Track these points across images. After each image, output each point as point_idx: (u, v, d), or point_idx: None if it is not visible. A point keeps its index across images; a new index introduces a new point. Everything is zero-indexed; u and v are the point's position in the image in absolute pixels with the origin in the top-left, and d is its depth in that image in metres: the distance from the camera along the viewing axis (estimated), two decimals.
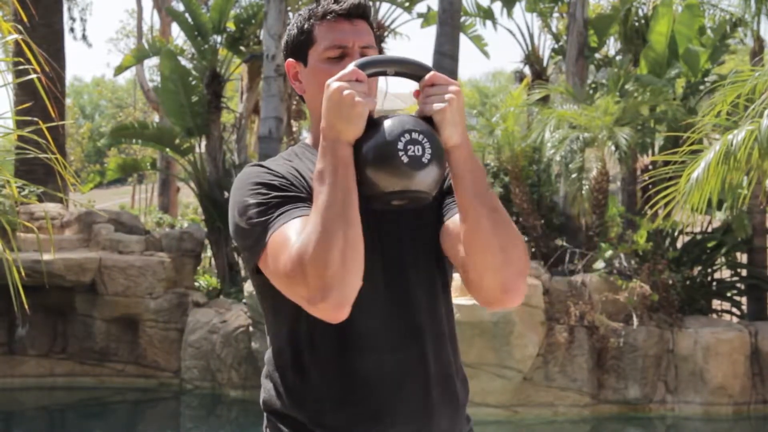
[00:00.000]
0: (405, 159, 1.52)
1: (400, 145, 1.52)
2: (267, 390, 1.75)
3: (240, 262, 11.43)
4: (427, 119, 1.59)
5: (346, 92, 1.54)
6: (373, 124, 1.57)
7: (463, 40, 12.67)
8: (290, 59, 1.82)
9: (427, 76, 1.62)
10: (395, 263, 1.68)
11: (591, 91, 11.17)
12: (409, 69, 1.64)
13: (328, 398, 1.65)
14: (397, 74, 1.64)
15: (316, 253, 1.50)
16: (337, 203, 1.52)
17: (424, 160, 1.53)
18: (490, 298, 1.66)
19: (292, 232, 1.57)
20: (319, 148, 1.58)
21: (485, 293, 1.66)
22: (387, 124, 1.55)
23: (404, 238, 1.69)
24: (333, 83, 1.56)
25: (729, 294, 10.07)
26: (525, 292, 1.68)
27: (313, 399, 1.66)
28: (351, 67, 1.59)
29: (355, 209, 1.54)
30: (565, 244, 9.51)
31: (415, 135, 1.53)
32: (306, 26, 1.77)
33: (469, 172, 1.62)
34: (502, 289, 1.65)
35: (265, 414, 1.76)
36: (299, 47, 1.79)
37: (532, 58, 13.38)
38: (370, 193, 1.56)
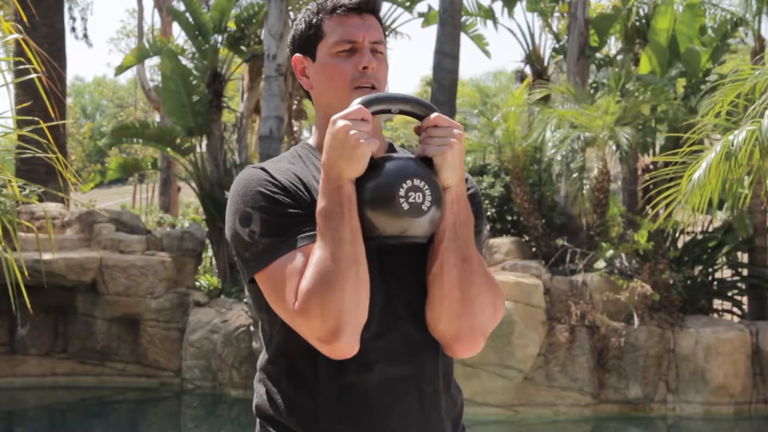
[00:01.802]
0: (405, 206, 1.54)
1: (402, 192, 1.54)
2: (260, 395, 1.73)
3: None
4: (427, 159, 1.60)
5: (351, 132, 1.54)
6: (375, 165, 1.58)
7: (464, 40, 12.68)
8: (298, 54, 1.78)
9: (431, 117, 1.62)
10: (392, 277, 1.66)
11: (592, 91, 11.17)
12: (414, 108, 1.64)
13: (324, 409, 1.63)
14: (401, 112, 1.64)
15: (331, 295, 1.52)
16: (347, 243, 1.54)
17: (424, 207, 1.55)
18: (441, 341, 1.68)
19: (298, 265, 1.57)
20: (320, 182, 1.58)
21: (438, 336, 1.67)
22: (389, 167, 1.57)
23: (403, 251, 1.66)
24: (339, 121, 1.56)
25: (730, 293, 10.07)
26: (479, 347, 1.68)
27: (309, 409, 1.64)
28: (356, 104, 1.58)
29: (362, 246, 1.56)
30: (566, 243, 9.52)
31: (416, 182, 1.55)
32: (315, 20, 1.73)
33: (452, 214, 1.63)
34: (454, 338, 1.66)
35: (258, 420, 1.74)
36: (307, 42, 1.75)
37: (533, 57, 13.38)
38: (366, 233, 1.57)
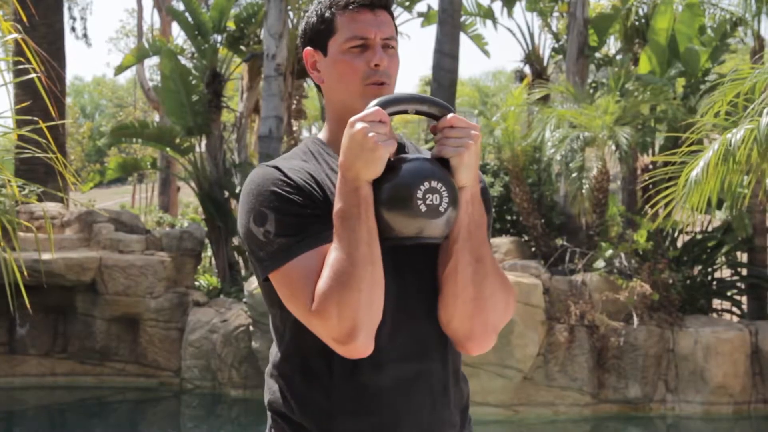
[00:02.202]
0: (423, 208, 1.54)
1: (419, 194, 1.54)
2: (273, 391, 1.73)
3: (240, 261, 11.44)
4: (443, 160, 1.61)
5: (369, 134, 1.54)
6: (392, 166, 1.58)
7: (464, 39, 12.68)
8: (308, 47, 1.77)
9: (447, 117, 1.62)
10: (405, 275, 1.67)
11: (591, 91, 11.16)
12: (430, 108, 1.64)
13: (337, 407, 1.64)
14: (417, 113, 1.64)
15: (347, 297, 1.53)
16: (363, 244, 1.54)
17: (441, 208, 1.56)
18: (454, 339, 1.69)
19: (314, 266, 1.58)
20: (337, 183, 1.58)
21: (451, 333, 1.68)
22: (406, 169, 1.57)
23: (415, 250, 1.66)
24: (357, 123, 1.56)
25: (729, 293, 10.07)
26: (491, 344, 1.70)
27: (322, 407, 1.65)
28: (373, 106, 1.58)
29: (378, 247, 1.56)
30: (565, 243, 9.51)
31: (434, 183, 1.55)
32: (327, 15, 1.73)
33: (467, 215, 1.63)
34: (467, 337, 1.67)
35: (269, 414, 1.75)
36: (319, 36, 1.75)
37: (532, 57, 13.38)
38: (382, 234, 1.58)
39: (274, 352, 1.76)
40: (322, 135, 1.81)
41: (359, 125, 1.55)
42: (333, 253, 1.56)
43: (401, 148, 1.78)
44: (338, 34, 1.72)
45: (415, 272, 1.68)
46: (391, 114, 1.60)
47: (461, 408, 1.77)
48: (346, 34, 1.71)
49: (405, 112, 1.63)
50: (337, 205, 1.57)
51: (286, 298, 1.62)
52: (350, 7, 1.71)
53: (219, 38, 12.15)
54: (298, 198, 1.63)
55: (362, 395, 1.64)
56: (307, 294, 1.57)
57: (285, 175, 1.66)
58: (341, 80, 1.72)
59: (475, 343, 1.68)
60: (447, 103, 1.66)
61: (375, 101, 1.60)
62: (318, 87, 1.80)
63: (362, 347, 1.57)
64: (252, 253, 1.67)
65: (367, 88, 1.69)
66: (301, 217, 1.62)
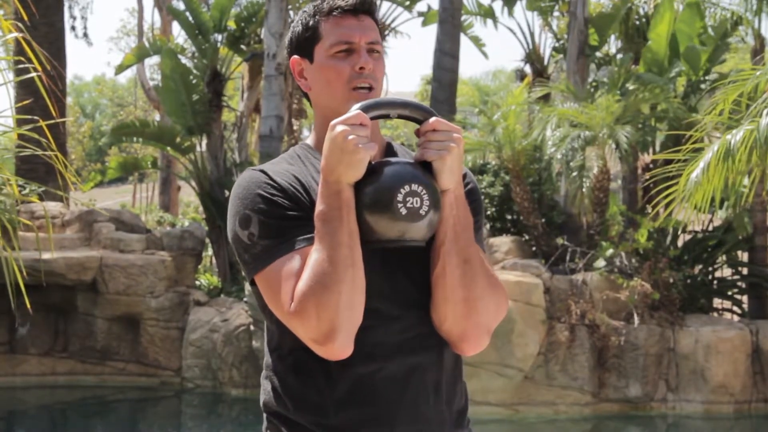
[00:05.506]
0: (403, 211, 1.56)
1: (399, 197, 1.56)
2: (267, 392, 1.74)
3: None
4: (426, 163, 1.62)
5: (349, 137, 1.56)
6: (374, 169, 1.60)
7: (464, 39, 12.69)
8: (295, 56, 1.80)
9: (430, 121, 1.64)
10: (399, 271, 1.69)
11: (592, 90, 11.15)
12: (413, 113, 1.65)
13: (331, 400, 1.65)
14: (400, 117, 1.65)
15: (326, 298, 1.55)
16: (344, 246, 1.56)
17: (422, 212, 1.57)
18: (448, 340, 1.71)
19: (295, 267, 1.60)
20: (319, 186, 1.61)
21: (444, 334, 1.70)
22: (387, 172, 1.59)
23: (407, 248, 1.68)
24: (338, 126, 1.58)
25: (730, 292, 10.06)
26: (484, 344, 1.72)
27: (316, 402, 1.66)
28: (355, 110, 1.60)
29: (359, 250, 1.58)
30: (565, 242, 9.50)
31: (414, 187, 1.57)
32: (311, 23, 1.76)
33: (452, 217, 1.65)
34: (460, 338, 1.69)
35: (265, 415, 1.76)
36: (304, 44, 1.77)
37: (532, 56, 13.37)
38: (365, 237, 1.59)
39: (267, 354, 1.77)
40: (310, 140, 1.83)
41: (340, 128, 1.57)
42: (314, 255, 1.58)
43: (389, 148, 1.80)
44: (323, 40, 1.74)
45: (406, 268, 1.69)
46: (373, 118, 1.62)
47: (459, 408, 1.77)
48: (331, 39, 1.73)
49: (387, 116, 1.64)
50: (318, 208, 1.59)
51: (269, 299, 1.64)
52: (334, 13, 1.74)
53: (219, 37, 12.15)
54: (283, 201, 1.65)
55: (357, 388, 1.65)
56: (287, 295, 1.58)
57: (270, 178, 1.68)
58: (328, 85, 1.74)
59: (469, 344, 1.70)
60: (430, 108, 1.67)
61: (357, 105, 1.61)
62: (306, 96, 1.83)
63: (340, 349, 1.58)
64: (239, 257, 1.70)
65: (353, 93, 1.71)
66: (284, 220, 1.64)
